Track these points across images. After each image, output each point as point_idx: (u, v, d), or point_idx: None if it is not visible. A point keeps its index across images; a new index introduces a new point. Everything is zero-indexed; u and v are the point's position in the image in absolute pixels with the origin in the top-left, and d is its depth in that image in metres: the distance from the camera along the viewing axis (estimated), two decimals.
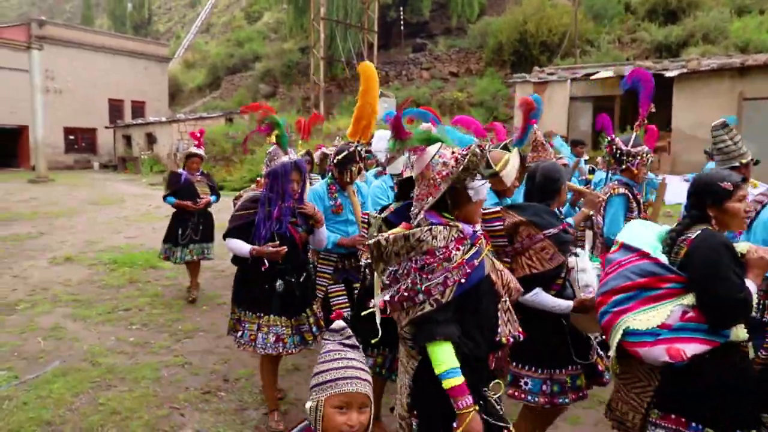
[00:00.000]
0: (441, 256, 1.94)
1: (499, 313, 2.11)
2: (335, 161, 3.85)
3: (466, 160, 1.96)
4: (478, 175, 2.05)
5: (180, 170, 6.35)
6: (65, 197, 15.78)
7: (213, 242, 6.39)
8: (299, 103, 27.77)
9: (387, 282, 2.00)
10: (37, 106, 20.35)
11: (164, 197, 6.29)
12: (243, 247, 3.37)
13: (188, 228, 6.16)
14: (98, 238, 9.88)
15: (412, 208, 2.10)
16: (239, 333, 3.44)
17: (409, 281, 1.93)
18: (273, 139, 3.45)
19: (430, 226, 1.98)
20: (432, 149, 2.05)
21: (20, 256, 8.36)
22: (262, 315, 3.41)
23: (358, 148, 3.79)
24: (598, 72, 15.52)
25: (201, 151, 6.41)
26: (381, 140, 3.94)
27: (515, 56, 22.06)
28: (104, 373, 4.26)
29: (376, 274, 2.10)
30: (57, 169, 24.83)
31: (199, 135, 6.44)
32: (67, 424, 3.53)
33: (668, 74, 13.42)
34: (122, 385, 4.08)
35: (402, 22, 27.25)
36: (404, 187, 2.41)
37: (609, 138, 4.03)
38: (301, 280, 3.55)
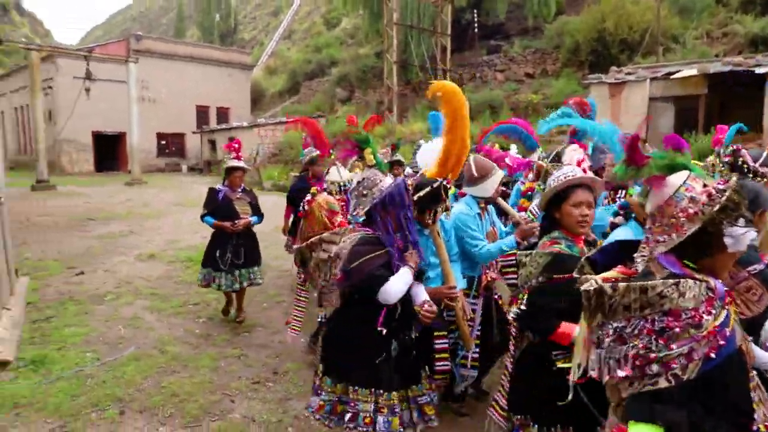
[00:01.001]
0: (688, 321, 1.53)
1: (751, 393, 1.69)
2: (415, 198, 3.07)
3: (723, 197, 1.57)
4: (740, 219, 1.59)
5: (219, 186, 5.65)
6: (155, 199, 17.08)
7: (260, 265, 5.87)
8: (374, 107, 28.31)
9: (606, 339, 1.60)
10: (133, 115, 22.12)
11: (202, 217, 5.59)
12: (404, 286, 2.65)
13: (227, 251, 5.48)
14: (179, 237, 10.70)
15: (640, 250, 1.73)
16: (348, 416, 2.65)
17: (641, 346, 1.54)
18: (363, 160, 2.98)
19: (675, 280, 1.56)
20: (676, 179, 1.67)
21: (113, 253, 9.24)
22: (381, 392, 2.65)
23: (444, 184, 3.07)
24: (680, 71, 14.80)
25: (242, 164, 5.62)
26: (428, 152, 3.60)
27: (593, 56, 21.38)
28: (170, 360, 4.74)
29: (582, 324, 1.73)
30: (150, 172, 26.82)
31: (236, 146, 5.61)
32: (134, 402, 4.00)
33: (759, 71, 12.60)
34: (184, 372, 4.53)
35: (476, 25, 27.09)
36: (551, 217, 2.49)
37: (733, 147, 3.44)
38: (414, 336, 2.85)
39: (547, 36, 24.85)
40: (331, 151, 5.16)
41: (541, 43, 25.10)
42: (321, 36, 43.04)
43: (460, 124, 2.97)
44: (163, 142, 31.80)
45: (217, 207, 5.51)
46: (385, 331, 2.63)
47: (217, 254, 5.47)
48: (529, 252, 2.44)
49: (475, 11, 26.93)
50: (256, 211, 5.74)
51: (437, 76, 25.27)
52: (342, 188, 4.87)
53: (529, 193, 4.51)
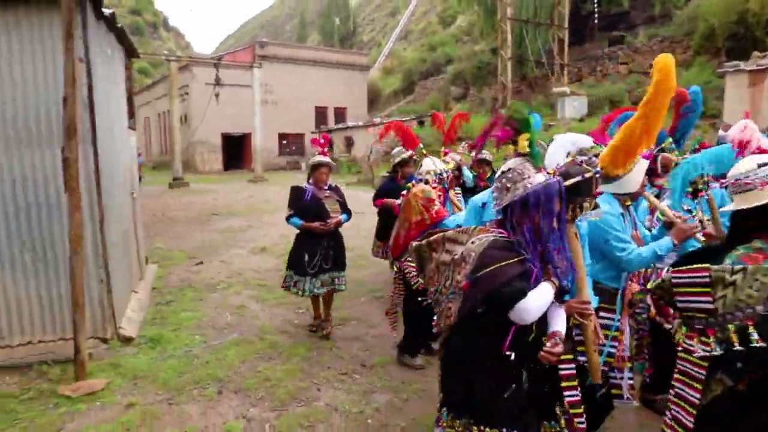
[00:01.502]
0: None
1: None
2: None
3: None
4: None
5: (304, 185, 5.26)
6: (275, 195, 18.15)
7: (345, 269, 5.46)
8: (489, 104, 27.86)
9: None
10: (257, 117, 23.66)
11: (287, 218, 5.22)
12: (545, 305, 2.22)
13: (317, 254, 5.13)
14: (291, 231, 11.27)
15: None
16: None
17: None
18: (514, 148, 2.43)
19: None
20: None
21: (230, 246, 9.98)
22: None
23: (596, 175, 2.57)
24: None
25: (328, 160, 5.29)
26: (561, 148, 2.94)
27: (732, 41, 19.38)
28: (267, 347, 5.05)
29: None
30: (272, 170, 28.54)
31: (323, 141, 5.34)
32: (231, 383, 4.32)
33: None
34: (278, 359, 4.80)
35: (596, 15, 25.65)
36: (747, 222, 2.11)
37: None
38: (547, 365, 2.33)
39: (676, 22, 22.94)
40: (420, 146, 5.50)
41: (670, 31, 23.21)
42: (436, 35, 43.14)
43: (663, 97, 2.57)
44: (284, 142, 33.68)
45: (304, 207, 5.14)
46: (513, 357, 2.20)
47: (306, 258, 5.10)
48: (742, 267, 1.94)
49: (596, 1, 25.50)
50: (345, 209, 5.38)
51: (553, 71, 24.33)
52: (439, 177, 4.73)
53: (656, 190, 4.08)
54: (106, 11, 5.17)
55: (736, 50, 18.84)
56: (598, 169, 2.59)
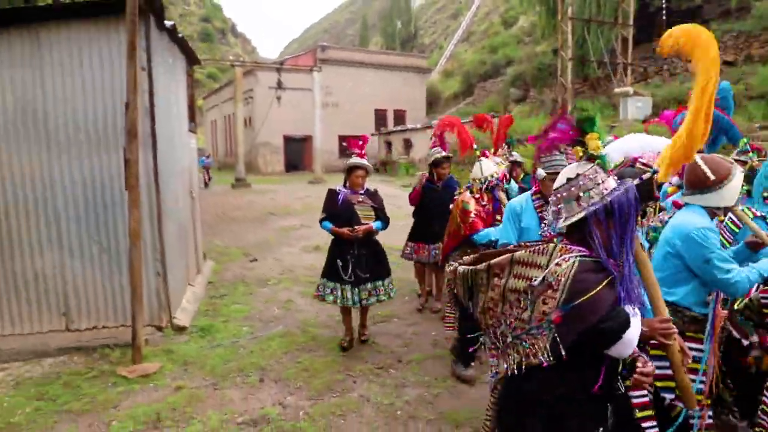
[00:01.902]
0: None
1: None
2: None
3: None
4: None
5: (338, 187, 5.06)
6: None
7: (390, 278, 5.14)
8: (550, 106, 27.36)
9: None
10: (317, 119, 24.26)
11: (320, 221, 5.08)
12: (638, 332, 1.88)
13: (349, 261, 4.88)
14: None
15: None
16: None
17: None
18: (581, 150, 2.12)
19: None
20: None
21: (284, 244, 10.37)
22: None
23: (654, 175, 2.41)
24: None
25: (365, 162, 5.00)
26: (618, 152, 2.71)
27: None
28: (309, 340, 5.29)
29: None
30: (332, 172, 29.08)
31: (361, 143, 5.03)
32: (272, 372, 4.57)
33: None
34: (318, 351, 5.03)
35: (665, 11, 24.67)
36: None
37: None
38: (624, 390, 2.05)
39: (755, 15, 21.69)
40: (474, 146, 5.00)
41: (746, 25, 21.98)
42: (497, 36, 42.68)
43: (712, 87, 2.10)
44: (344, 144, 34.18)
45: (336, 211, 4.93)
46: (604, 391, 1.90)
47: (339, 264, 4.90)
48: None
49: None
50: (381, 216, 5.07)
51: (616, 71, 23.60)
52: (484, 184, 4.56)
53: None
54: (168, 23, 5.58)
55: None
56: (657, 168, 2.31)
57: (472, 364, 4.45)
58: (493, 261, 1.95)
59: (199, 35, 64.64)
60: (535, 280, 1.83)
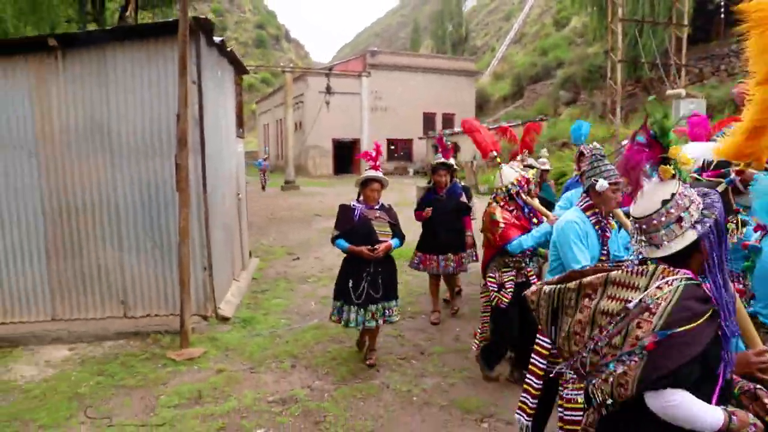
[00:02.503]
0: None
1: None
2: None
3: None
4: None
5: (353, 203, 4.76)
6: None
7: (397, 299, 4.90)
8: (600, 109, 26.96)
9: None
10: (365, 123, 24.83)
11: (333, 239, 4.73)
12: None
13: (363, 281, 4.57)
14: None
15: None
16: None
17: None
18: (671, 171, 1.82)
19: None
20: None
21: (325, 244, 10.74)
22: None
23: (730, 186, 2.23)
24: None
25: (381, 175, 4.71)
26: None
27: None
28: (340, 332, 5.67)
29: None
30: None
31: (374, 154, 4.81)
32: (304, 359, 5.00)
33: None
34: (347, 342, 5.42)
35: (723, 9, 23.89)
36: None
37: None
38: None
39: None
40: (494, 153, 4.76)
41: None
42: (549, 38, 42.18)
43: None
44: (393, 147, 34.73)
45: (352, 228, 4.61)
46: None
47: (351, 284, 4.58)
48: None
49: None
50: (397, 233, 4.78)
51: (669, 73, 23.05)
52: (507, 193, 4.34)
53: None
54: (217, 39, 6.12)
55: None
56: (732, 178, 2.14)
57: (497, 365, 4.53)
58: (585, 280, 1.80)
59: (254, 41, 66.88)
60: (631, 302, 1.67)
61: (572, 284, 1.81)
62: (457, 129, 30.65)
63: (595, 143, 3.92)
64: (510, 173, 4.41)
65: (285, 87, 23.56)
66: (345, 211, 4.73)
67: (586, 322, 1.75)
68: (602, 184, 3.12)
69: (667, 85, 22.55)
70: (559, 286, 1.85)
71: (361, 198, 4.79)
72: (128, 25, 5.70)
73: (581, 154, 5.30)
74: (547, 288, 1.87)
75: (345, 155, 33.94)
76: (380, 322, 4.69)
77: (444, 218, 5.87)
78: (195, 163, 5.59)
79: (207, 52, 5.90)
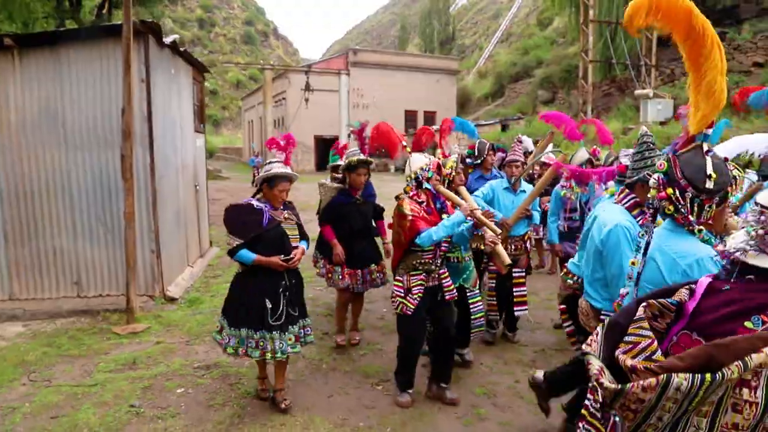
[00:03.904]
0: None
1: None
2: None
3: None
4: None
5: (255, 202, 3.75)
6: None
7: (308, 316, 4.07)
8: (576, 108, 27.59)
9: None
10: (343, 120, 25.31)
11: (231, 252, 3.72)
12: None
13: (281, 299, 3.72)
14: None
15: None
16: None
17: None
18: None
19: None
20: None
21: None
22: None
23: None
24: None
25: (291, 172, 3.85)
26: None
27: None
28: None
29: None
30: None
31: (284, 143, 3.78)
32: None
33: None
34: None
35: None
36: None
37: None
38: None
39: None
40: (404, 143, 4.40)
41: None
42: (532, 37, 42.81)
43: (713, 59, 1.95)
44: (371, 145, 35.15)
45: (260, 235, 3.67)
46: None
47: (268, 305, 3.67)
48: None
49: None
50: (303, 234, 4.02)
51: (640, 73, 23.70)
52: (416, 181, 3.90)
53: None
54: (168, 40, 6.58)
55: None
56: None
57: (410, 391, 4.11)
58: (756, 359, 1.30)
59: (242, 38, 67.10)
60: None
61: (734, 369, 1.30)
62: (435, 127, 31.17)
63: (644, 128, 3.15)
64: (419, 159, 3.95)
65: (263, 85, 23.98)
66: (247, 213, 3.73)
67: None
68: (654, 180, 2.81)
69: (637, 86, 23.20)
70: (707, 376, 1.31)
71: (263, 197, 3.85)
72: (81, 27, 6.12)
73: (519, 140, 5.48)
74: (678, 382, 1.32)
75: (327, 151, 34.34)
76: (298, 347, 3.87)
77: (365, 225, 5.15)
78: (143, 154, 6.05)
79: (157, 53, 6.36)
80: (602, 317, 2.83)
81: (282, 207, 3.87)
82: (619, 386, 1.37)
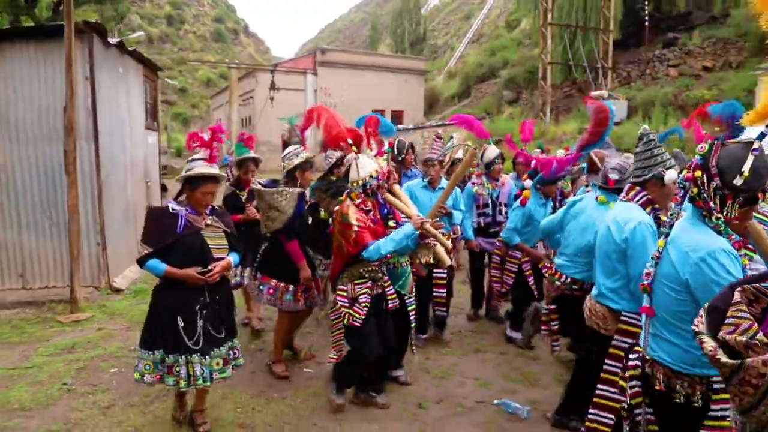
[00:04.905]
0: None
1: None
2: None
3: None
4: None
5: (172, 205, 3.33)
6: None
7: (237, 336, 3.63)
8: (538, 108, 28.31)
9: None
10: None
11: (141, 261, 3.26)
12: None
13: (197, 318, 3.27)
14: None
15: None
16: None
17: None
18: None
19: None
20: None
21: None
22: None
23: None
24: None
25: (214, 170, 3.37)
26: None
27: None
28: None
29: None
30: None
31: (208, 138, 3.46)
32: None
33: None
34: None
35: (647, 16, 25.49)
36: None
37: None
38: None
39: (732, 23, 22.42)
40: (348, 140, 3.80)
41: (725, 32, 22.71)
42: (500, 39, 43.58)
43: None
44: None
45: (175, 243, 3.24)
46: None
47: (181, 324, 3.23)
48: None
49: (646, 3, 25.36)
50: (234, 245, 3.54)
51: (598, 75, 24.48)
52: (363, 189, 3.59)
53: None
54: (114, 41, 6.78)
55: None
56: None
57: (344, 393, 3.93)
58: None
59: (212, 35, 66.56)
60: None
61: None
62: (401, 127, 31.59)
63: (645, 127, 3.03)
64: (368, 164, 3.63)
65: (229, 84, 24.06)
66: (161, 217, 3.34)
67: None
68: (671, 175, 2.73)
69: (594, 88, 23.96)
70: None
71: (185, 199, 3.39)
72: (24, 26, 6.28)
73: (438, 137, 5.53)
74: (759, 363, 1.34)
75: None
76: (228, 371, 3.43)
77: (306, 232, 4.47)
78: (88, 149, 6.26)
79: (102, 51, 6.56)
80: (623, 317, 2.90)
81: (208, 212, 3.41)
82: (738, 362, 1.37)
